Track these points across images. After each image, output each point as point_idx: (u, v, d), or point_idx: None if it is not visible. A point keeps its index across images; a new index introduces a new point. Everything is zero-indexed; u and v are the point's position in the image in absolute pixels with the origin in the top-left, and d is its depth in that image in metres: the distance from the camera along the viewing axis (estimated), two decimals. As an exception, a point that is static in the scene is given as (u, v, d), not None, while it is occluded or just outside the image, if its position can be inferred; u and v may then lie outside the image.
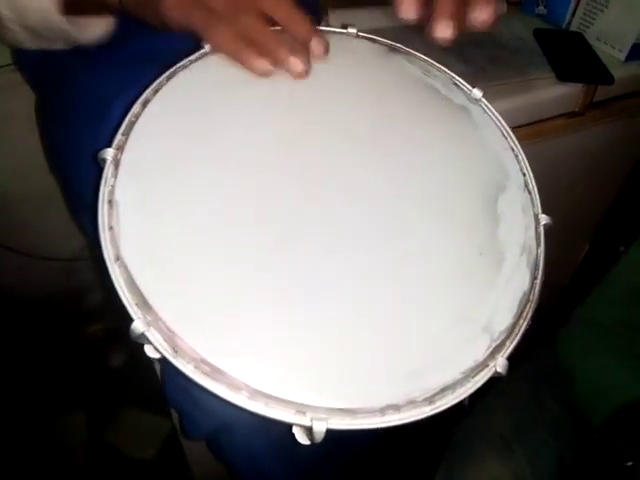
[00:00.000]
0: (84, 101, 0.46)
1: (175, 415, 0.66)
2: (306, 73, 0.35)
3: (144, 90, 0.33)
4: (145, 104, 0.32)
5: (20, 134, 0.77)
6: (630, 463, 0.56)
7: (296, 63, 0.34)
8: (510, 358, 0.28)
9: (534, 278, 0.31)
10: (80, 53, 0.45)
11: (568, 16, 0.72)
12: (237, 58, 0.34)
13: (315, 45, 0.36)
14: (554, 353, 0.66)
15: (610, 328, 0.60)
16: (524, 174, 0.35)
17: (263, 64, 0.34)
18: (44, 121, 0.60)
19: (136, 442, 0.91)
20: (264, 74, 0.34)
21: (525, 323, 0.29)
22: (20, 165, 0.82)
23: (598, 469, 0.54)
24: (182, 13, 0.34)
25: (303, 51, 0.35)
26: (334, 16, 0.62)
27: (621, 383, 0.58)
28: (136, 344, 0.26)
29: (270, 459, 0.46)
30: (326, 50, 0.36)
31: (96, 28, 0.44)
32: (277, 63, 0.34)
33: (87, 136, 0.45)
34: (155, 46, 0.42)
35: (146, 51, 0.44)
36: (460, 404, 0.26)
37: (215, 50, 0.35)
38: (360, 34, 0.40)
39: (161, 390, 0.59)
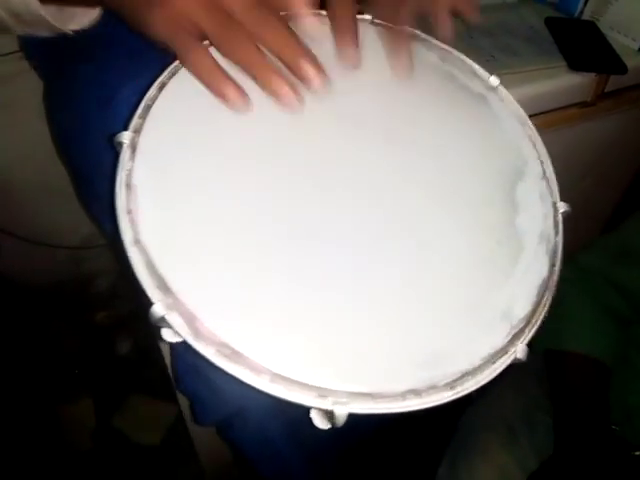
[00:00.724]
0: (91, 87, 0.46)
1: (183, 402, 0.67)
2: (298, 103, 0.31)
3: (160, 73, 0.32)
4: (161, 87, 0.32)
5: (27, 121, 0.77)
6: (638, 452, 0.57)
7: (286, 93, 0.31)
8: (529, 345, 0.28)
9: (552, 265, 0.31)
10: (88, 39, 0.45)
11: (580, 4, 0.71)
12: (210, 86, 0.31)
13: (310, 74, 0.32)
14: None
15: (591, 276, 0.62)
16: (542, 162, 0.35)
17: (235, 95, 0.30)
18: (52, 108, 0.59)
19: (143, 428, 0.92)
20: (236, 107, 0.31)
21: (544, 310, 0.29)
22: (27, 153, 0.82)
23: (606, 459, 0.54)
24: (167, 33, 0.31)
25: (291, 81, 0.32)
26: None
27: (581, 329, 0.60)
28: (142, 331, 0.26)
29: (283, 441, 0.46)
30: (323, 80, 0.32)
31: (80, 18, 0.43)
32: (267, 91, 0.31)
33: (95, 122, 0.45)
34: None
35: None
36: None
37: (191, 73, 0.32)
38: (375, 20, 0.39)
39: (168, 377, 0.59)
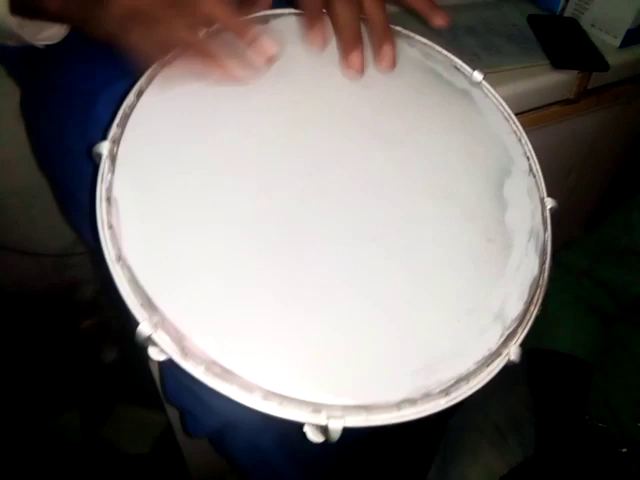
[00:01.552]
0: (69, 95, 0.45)
1: (172, 412, 0.66)
2: (248, 77, 0.32)
3: (138, 79, 0.31)
4: (139, 94, 0.31)
5: (5, 126, 0.75)
6: (625, 450, 0.57)
7: (233, 69, 0.32)
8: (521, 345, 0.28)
9: (543, 263, 0.31)
10: (64, 46, 0.44)
11: (562, 2, 0.71)
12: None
13: (262, 46, 0.32)
14: None
15: (575, 275, 0.62)
16: (528, 158, 0.35)
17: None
18: (30, 117, 0.58)
19: (131, 438, 0.91)
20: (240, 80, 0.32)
21: (536, 309, 0.29)
22: (6, 159, 0.80)
23: (593, 456, 0.55)
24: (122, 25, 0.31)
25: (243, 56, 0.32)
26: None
27: (561, 327, 0.60)
28: (129, 339, 0.25)
29: (274, 453, 0.46)
30: (273, 57, 0.33)
31: (49, 30, 0.42)
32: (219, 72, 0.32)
33: (73, 131, 0.43)
34: None
35: None
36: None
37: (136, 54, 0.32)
38: (360, 16, 0.38)
39: (155, 385, 0.58)
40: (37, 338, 0.96)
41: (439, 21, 0.36)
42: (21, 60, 0.53)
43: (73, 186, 0.44)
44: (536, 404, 0.61)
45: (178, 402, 0.43)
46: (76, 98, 0.43)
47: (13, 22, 0.38)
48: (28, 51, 0.48)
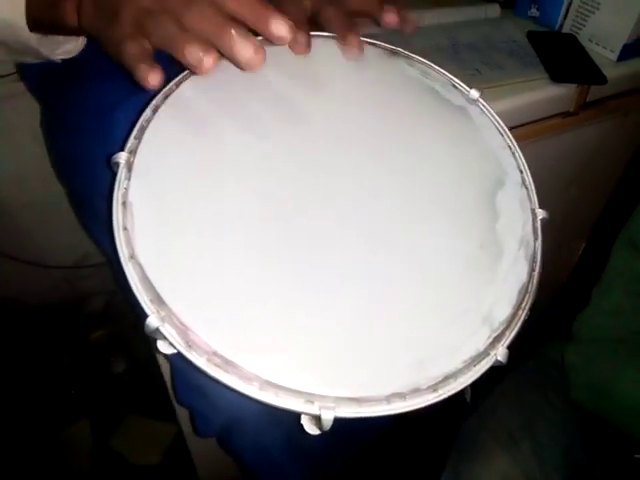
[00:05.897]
0: (87, 109, 0.47)
1: (182, 418, 0.67)
2: (258, 62, 0.31)
3: (154, 96, 0.34)
4: (155, 110, 0.33)
5: (22, 143, 0.79)
6: (638, 455, 0.57)
7: (243, 48, 0.30)
8: (511, 350, 0.29)
9: (532, 270, 0.32)
10: (81, 62, 0.46)
11: (560, 18, 0.73)
12: (171, 46, 0.31)
13: (297, 39, 0.35)
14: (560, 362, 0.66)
15: (621, 339, 0.60)
16: (521, 171, 0.37)
17: (195, 51, 0.30)
18: (50, 132, 0.60)
19: (141, 448, 0.92)
20: (199, 65, 0.31)
21: (524, 313, 0.30)
22: (22, 174, 0.83)
23: (609, 462, 0.54)
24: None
25: (251, 37, 0.30)
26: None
27: (620, 382, 0.57)
28: (138, 350, 0.27)
29: (280, 451, 0.46)
30: (308, 45, 0.36)
31: (66, 45, 0.44)
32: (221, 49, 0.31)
33: (91, 143, 0.46)
34: (157, 54, 0.43)
35: None
36: (463, 399, 0.27)
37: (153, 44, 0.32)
38: (360, 38, 0.41)
39: (165, 395, 0.60)
40: (48, 348, 0.98)
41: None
42: (41, 76, 0.55)
43: (91, 195, 0.46)
44: None
45: (187, 402, 0.45)
46: (94, 112, 0.46)
47: (33, 38, 0.40)
48: (48, 67, 0.51)
